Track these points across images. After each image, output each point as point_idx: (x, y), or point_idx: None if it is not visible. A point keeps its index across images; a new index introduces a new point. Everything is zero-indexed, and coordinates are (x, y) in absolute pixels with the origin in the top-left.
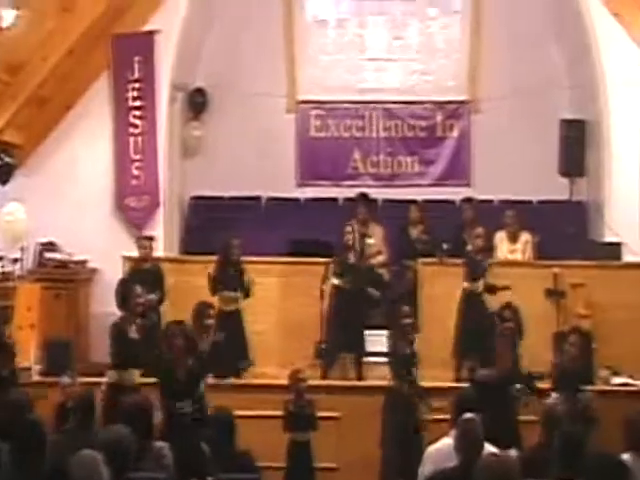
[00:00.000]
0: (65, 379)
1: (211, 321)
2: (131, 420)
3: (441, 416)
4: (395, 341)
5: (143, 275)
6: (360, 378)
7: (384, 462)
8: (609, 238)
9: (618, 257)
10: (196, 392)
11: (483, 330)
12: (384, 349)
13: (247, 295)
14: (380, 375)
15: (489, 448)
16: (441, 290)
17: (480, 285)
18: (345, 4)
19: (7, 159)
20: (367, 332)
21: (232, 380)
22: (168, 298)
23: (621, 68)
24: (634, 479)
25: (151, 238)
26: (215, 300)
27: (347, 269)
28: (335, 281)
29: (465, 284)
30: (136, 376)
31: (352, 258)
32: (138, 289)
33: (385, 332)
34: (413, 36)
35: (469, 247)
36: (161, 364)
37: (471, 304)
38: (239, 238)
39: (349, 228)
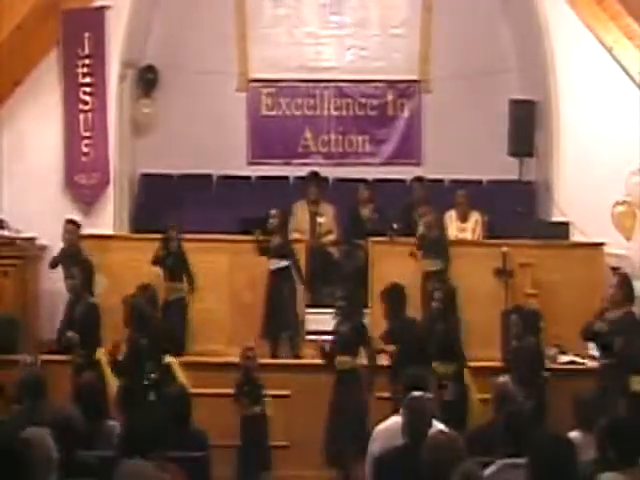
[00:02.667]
0: (26, 357)
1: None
2: (82, 399)
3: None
4: (338, 322)
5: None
6: (297, 356)
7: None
8: (557, 218)
9: (566, 237)
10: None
11: None
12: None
13: (192, 288)
14: None
15: (437, 426)
16: (392, 269)
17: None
18: None
19: None
20: (317, 310)
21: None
22: (114, 276)
23: (570, 49)
24: (582, 457)
25: (76, 223)
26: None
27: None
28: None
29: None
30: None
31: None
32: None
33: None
34: (364, 15)
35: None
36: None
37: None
38: (177, 225)
39: (273, 212)
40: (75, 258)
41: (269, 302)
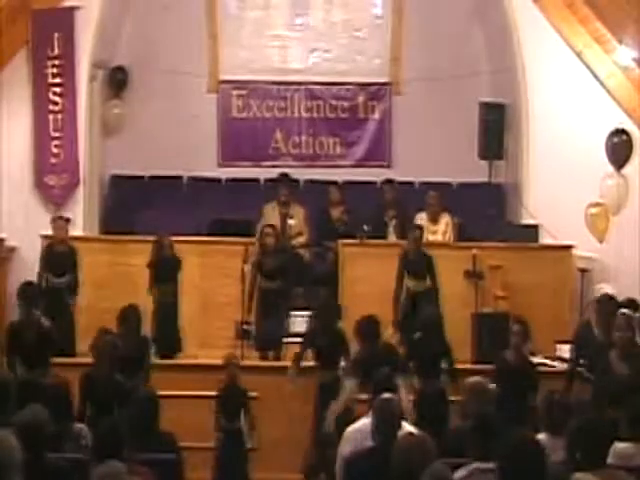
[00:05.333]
0: None
1: (133, 324)
2: (50, 402)
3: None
4: (311, 331)
5: (57, 258)
6: (278, 358)
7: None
8: (526, 220)
9: (535, 239)
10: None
11: None
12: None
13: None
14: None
15: (407, 428)
16: (362, 271)
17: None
18: None
19: None
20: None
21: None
22: (85, 279)
23: (540, 53)
24: (550, 459)
25: (67, 219)
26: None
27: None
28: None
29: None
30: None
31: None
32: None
33: (306, 313)
34: (336, 18)
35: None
36: None
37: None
38: (165, 228)
39: (268, 230)
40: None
41: (258, 319)
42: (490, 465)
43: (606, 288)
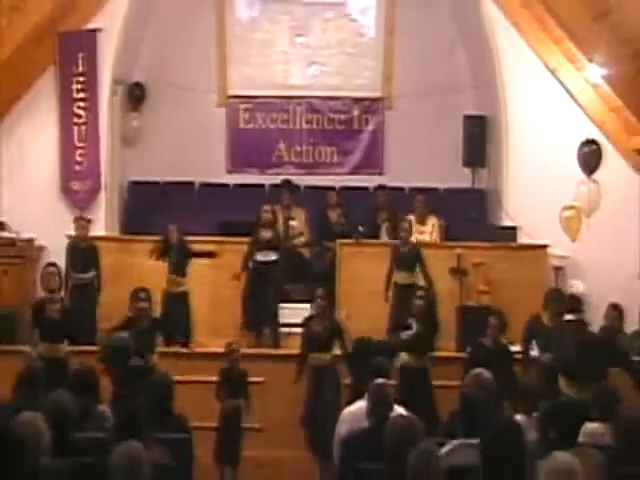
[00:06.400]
0: (27, 348)
1: (144, 304)
2: (76, 386)
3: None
4: (309, 319)
5: (80, 254)
6: (276, 339)
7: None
8: (506, 222)
9: (514, 239)
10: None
11: None
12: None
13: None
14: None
15: (398, 410)
16: (358, 269)
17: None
18: (274, 5)
19: None
20: (290, 305)
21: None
22: (107, 276)
23: (518, 70)
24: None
25: (88, 220)
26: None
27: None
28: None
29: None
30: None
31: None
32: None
33: (306, 306)
34: (333, 38)
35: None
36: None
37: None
38: (175, 223)
39: (267, 207)
40: (88, 254)
41: (250, 294)
42: (472, 441)
43: (578, 284)
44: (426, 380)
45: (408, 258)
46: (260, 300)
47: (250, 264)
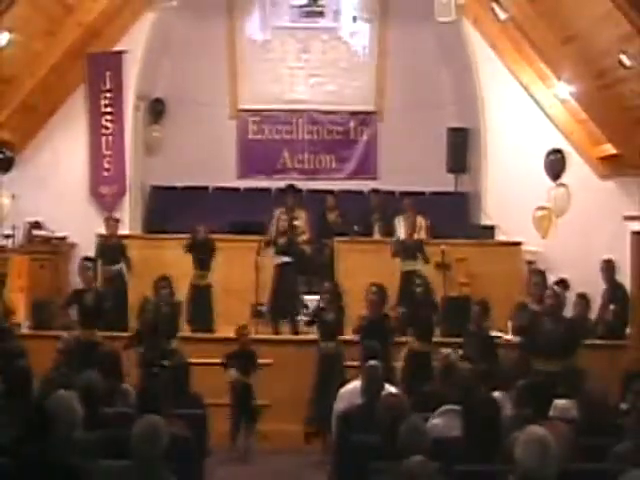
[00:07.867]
0: (64, 334)
1: (166, 291)
2: (103, 366)
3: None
4: (320, 309)
5: (109, 249)
6: (296, 333)
7: (312, 404)
8: (485, 222)
9: (492, 237)
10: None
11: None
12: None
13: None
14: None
15: (389, 389)
16: (353, 264)
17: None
18: (280, 23)
19: (8, 153)
20: (306, 297)
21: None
22: (132, 269)
23: (496, 88)
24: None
25: (117, 219)
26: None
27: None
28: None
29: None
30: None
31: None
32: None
33: (308, 297)
34: (331, 57)
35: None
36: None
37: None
38: (201, 224)
39: (284, 217)
40: (117, 249)
41: (275, 290)
42: (456, 407)
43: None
44: (429, 364)
45: (412, 248)
46: (285, 294)
47: (273, 261)
